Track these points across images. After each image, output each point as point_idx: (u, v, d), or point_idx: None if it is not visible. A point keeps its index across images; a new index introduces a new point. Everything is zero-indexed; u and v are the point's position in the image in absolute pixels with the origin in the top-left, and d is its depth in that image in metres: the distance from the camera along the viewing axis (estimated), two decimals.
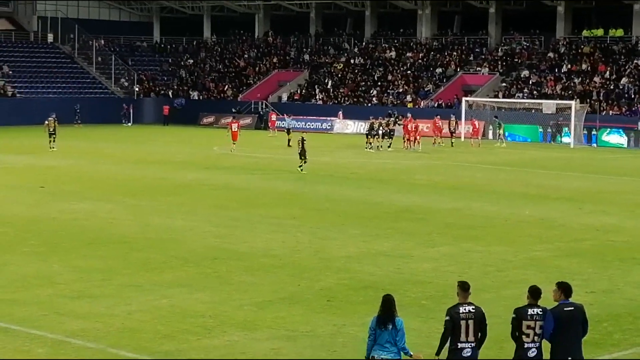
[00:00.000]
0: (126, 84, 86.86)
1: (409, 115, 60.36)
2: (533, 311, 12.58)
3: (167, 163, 46.77)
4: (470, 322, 12.51)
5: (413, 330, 15.55)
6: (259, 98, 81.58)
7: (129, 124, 79.22)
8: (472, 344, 12.54)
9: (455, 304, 12.75)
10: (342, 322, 17.43)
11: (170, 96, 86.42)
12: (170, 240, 25.56)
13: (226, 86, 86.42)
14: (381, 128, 56.64)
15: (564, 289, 12.80)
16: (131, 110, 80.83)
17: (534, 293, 12.77)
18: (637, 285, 20.93)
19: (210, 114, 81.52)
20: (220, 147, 56.55)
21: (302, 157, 42.61)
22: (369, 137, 56.25)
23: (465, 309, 12.59)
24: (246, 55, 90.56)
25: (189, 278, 20.90)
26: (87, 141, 60.48)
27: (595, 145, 62.05)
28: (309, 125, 72.87)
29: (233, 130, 54.81)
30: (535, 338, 12.55)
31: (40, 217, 29.15)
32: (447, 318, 12.62)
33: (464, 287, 12.84)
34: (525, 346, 12.58)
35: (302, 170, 42.26)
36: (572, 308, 12.68)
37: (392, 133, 57.47)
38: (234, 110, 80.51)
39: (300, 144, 42.88)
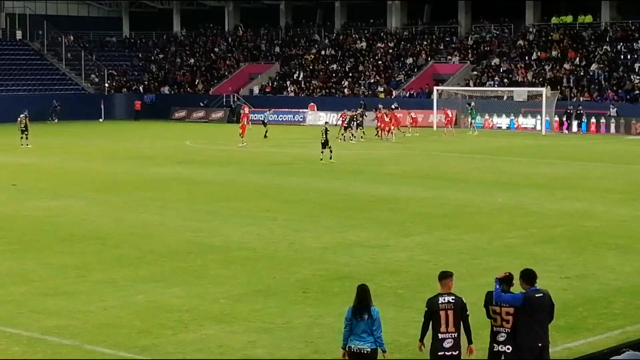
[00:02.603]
0: (97, 79, 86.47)
1: (393, 106, 60.28)
2: (444, 299, 12.59)
3: (140, 158, 46.62)
4: (450, 312, 12.46)
5: (389, 320, 15.60)
6: (230, 91, 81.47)
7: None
8: (453, 334, 12.47)
9: (435, 294, 12.74)
10: (318, 314, 17.45)
11: (142, 91, 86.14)
12: (145, 235, 25.49)
13: (197, 80, 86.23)
14: (355, 119, 56.53)
15: (526, 277, 12.81)
16: (102, 106, 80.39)
17: (506, 280, 12.81)
18: (611, 270, 21.08)
19: (181, 109, 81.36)
20: (192, 141, 56.46)
21: (326, 147, 43.19)
22: (349, 129, 55.71)
23: (444, 299, 12.56)
24: (217, 49, 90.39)
25: (164, 273, 20.86)
26: (59, 138, 60.19)
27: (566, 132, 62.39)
28: (281, 117, 72.92)
29: (244, 123, 54.28)
30: (504, 323, 12.62)
31: (12, 215, 28.99)
32: (426, 309, 12.64)
33: (440, 277, 12.85)
34: (494, 330, 12.72)
35: (322, 160, 42.94)
36: (542, 295, 12.73)
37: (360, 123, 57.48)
38: (202, 104, 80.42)
39: (324, 134, 43.34)
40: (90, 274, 20.75)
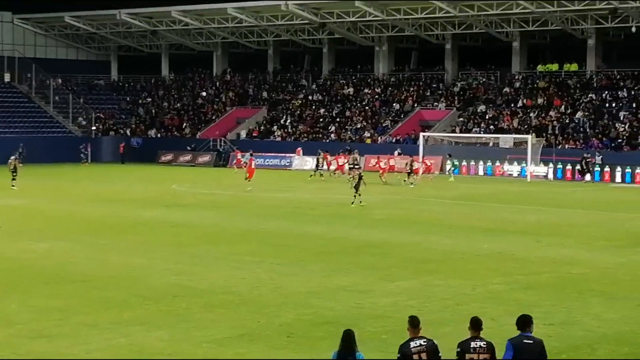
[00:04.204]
0: (84, 122, 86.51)
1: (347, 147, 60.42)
2: (476, 344, 12.61)
3: (126, 201, 46.55)
4: (423, 354, 12.46)
5: None
6: (217, 135, 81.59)
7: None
8: None
9: (406, 340, 12.72)
10: (302, 358, 17.40)
11: (129, 134, 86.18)
12: (129, 278, 25.41)
13: (184, 124, 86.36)
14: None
15: (519, 323, 12.83)
16: (89, 149, 79.98)
17: (475, 324, 12.81)
18: (595, 317, 21.09)
19: (168, 152, 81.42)
20: (178, 184, 56.43)
21: (357, 190, 44.10)
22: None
23: (416, 343, 12.56)
24: (204, 93, 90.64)
25: (148, 316, 20.78)
26: (45, 180, 60.08)
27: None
28: (267, 162, 72.96)
29: (252, 167, 54.65)
30: None
31: None
32: (399, 355, 12.58)
33: (413, 323, 12.82)
34: None
35: (361, 203, 43.64)
36: (532, 342, 12.70)
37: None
38: (189, 148, 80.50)
39: (358, 178, 44.56)
40: (73, 316, 20.65)
